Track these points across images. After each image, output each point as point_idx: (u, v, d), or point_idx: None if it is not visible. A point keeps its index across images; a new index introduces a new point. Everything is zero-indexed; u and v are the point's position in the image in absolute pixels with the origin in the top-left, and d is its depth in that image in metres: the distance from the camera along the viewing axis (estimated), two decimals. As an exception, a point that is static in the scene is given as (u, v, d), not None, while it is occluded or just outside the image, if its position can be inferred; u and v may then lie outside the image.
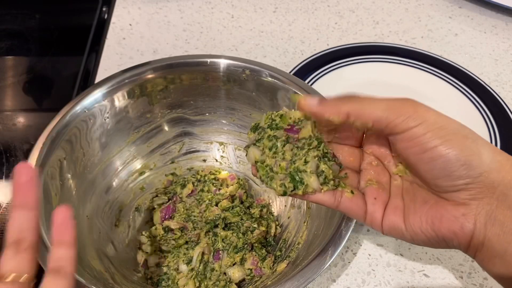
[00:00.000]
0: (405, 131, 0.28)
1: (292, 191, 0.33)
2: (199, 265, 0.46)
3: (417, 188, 0.31)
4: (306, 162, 0.32)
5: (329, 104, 0.30)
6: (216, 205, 0.51)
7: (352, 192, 0.33)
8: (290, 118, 0.34)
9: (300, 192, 0.32)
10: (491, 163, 0.27)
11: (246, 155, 0.35)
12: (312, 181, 0.32)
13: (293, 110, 0.34)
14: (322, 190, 0.32)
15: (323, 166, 0.32)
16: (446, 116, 0.29)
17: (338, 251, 0.37)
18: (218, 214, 0.49)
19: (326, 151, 0.33)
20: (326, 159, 0.33)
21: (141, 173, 0.53)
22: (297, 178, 0.32)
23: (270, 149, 0.33)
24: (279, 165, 0.33)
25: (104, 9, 0.79)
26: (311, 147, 0.33)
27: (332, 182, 0.33)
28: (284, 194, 0.33)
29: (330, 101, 0.31)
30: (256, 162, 0.34)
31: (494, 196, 0.27)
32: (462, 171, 0.27)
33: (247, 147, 0.35)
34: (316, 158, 0.32)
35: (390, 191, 0.32)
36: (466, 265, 0.48)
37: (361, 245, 0.49)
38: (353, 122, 0.30)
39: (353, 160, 0.34)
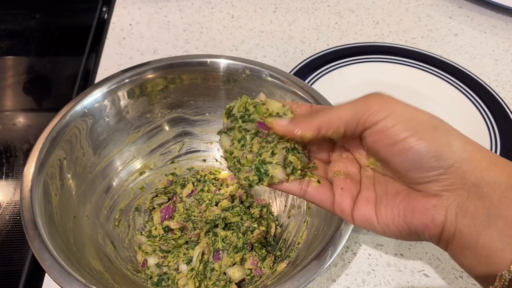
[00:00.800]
0: (374, 124, 0.28)
1: (257, 183, 0.33)
2: (199, 265, 0.46)
3: (389, 180, 0.31)
4: (273, 154, 0.33)
5: (299, 122, 0.31)
6: (216, 205, 0.51)
7: (318, 181, 0.33)
8: (267, 109, 0.33)
9: (265, 184, 0.33)
10: (462, 154, 0.27)
11: (219, 140, 0.35)
12: (277, 173, 0.33)
13: (272, 99, 0.34)
14: (289, 180, 0.33)
15: (291, 158, 0.33)
16: (414, 107, 0.29)
17: (338, 251, 0.37)
18: (218, 214, 0.49)
19: (295, 143, 0.33)
20: (295, 151, 0.33)
21: (141, 173, 0.53)
22: (262, 170, 0.33)
23: (239, 141, 0.33)
24: (246, 157, 0.33)
25: (104, 9, 0.79)
26: (281, 140, 0.33)
27: (299, 172, 0.33)
28: (250, 186, 0.34)
29: (300, 119, 0.31)
30: (226, 151, 0.34)
31: (466, 187, 0.27)
32: (433, 163, 0.27)
33: (220, 133, 0.35)
34: (284, 150, 0.33)
35: (361, 183, 0.32)
36: (466, 265, 0.48)
37: (361, 245, 0.49)
38: (325, 133, 0.30)
39: (322, 152, 0.34)
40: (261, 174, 0.33)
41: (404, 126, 0.27)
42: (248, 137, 0.33)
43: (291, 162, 0.33)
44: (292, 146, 0.33)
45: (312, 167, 0.34)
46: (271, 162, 0.33)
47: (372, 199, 0.31)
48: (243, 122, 0.33)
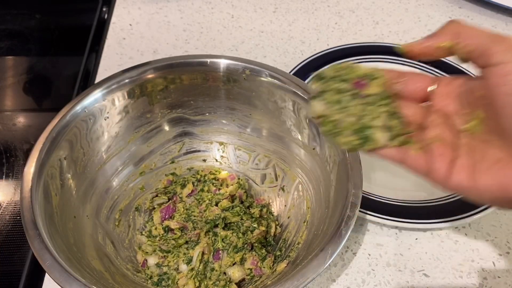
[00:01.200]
0: (501, 63, 0.25)
1: (361, 147, 0.31)
2: (199, 265, 0.46)
3: (489, 146, 0.29)
4: (374, 117, 0.31)
5: (436, 33, 0.30)
6: (216, 205, 0.51)
7: (418, 149, 0.31)
8: (358, 71, 0.32)
9: (368, 148, 0.31)
10: None
11: (309, 108, 0.33)
12: (381, 137, 0.31)
13: (359, 64, 0.33)
14: (390, 146, 0.31)
15: (393, 122, 0.31)
16: None
17: (338, 251, 0.37)
18: (218, 214, 0.49)
19: (395, 107, 0.31)
20: (395, 115, 0.31)
21: (141, 173, 0.53)
22: (366, 133, 0.31)
23: (337, 103, 0.31)
24: (347, 120, 0.31)
25: (104, 9, 0.79)
26: (381, 103, 0.31)
27: (400, 137, 0.31)
28: (352, 150, 0.32)
29: (434, 33, 0.30)
30: (319, 116, 0.32)
31: None
32: None
33: (312, 98, 0.33)
34: (386, 114, 0.31)
35: (458, 149, 0.30)
36: (466, 265, 0.48)
37: (361, 245, 0.49)
38: (458, 45, 0.28)
39: (418, 117, 0.32)
40: (364, 138, 0.31)
41: None
42: (346, 98, 0.31)
43: (391, 127, 0.31)
44: (393, 110, 0.31)
45: (412, 131, 0.32)
46: (374, 126, 0.31)
47: (470, 166, 0.29)
48: (338, 82, 0.31)
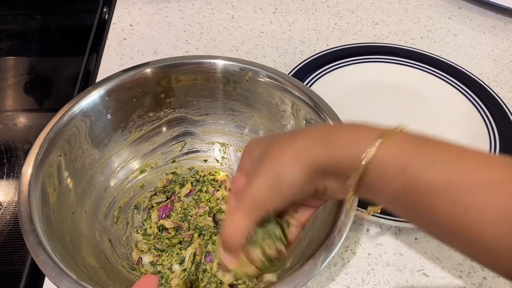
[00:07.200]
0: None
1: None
2: (191, 266, 0.46)
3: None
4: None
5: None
6: (214, 215, 0.51)
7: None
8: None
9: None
10: None
11: None
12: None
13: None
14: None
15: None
16: None
17: (330, 257, 0.36)
18: (208, 225, 0.49)
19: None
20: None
21: (142, 171, 0.54)
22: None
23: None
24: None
25: (104, 9, 0.79)
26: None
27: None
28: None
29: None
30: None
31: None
32: None
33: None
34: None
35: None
36: (465, 264, 0.48)
37: (360, 245, 0.49)
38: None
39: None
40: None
41: None
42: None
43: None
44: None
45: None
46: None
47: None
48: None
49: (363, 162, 0.28)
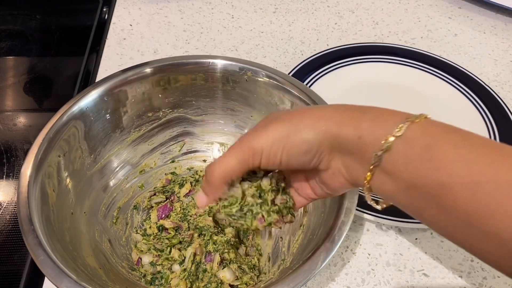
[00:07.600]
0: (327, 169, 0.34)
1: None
2: (191, 266, 0.46)
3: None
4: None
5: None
6: (214, 215, 0.51)
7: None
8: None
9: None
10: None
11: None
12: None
13: None
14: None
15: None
16: None
17: (330, 256, 0.36)
18: (208, 225, 0.49)
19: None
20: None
21: (141, 172, 0.53)
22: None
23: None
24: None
25: (104, 9, 0.79)
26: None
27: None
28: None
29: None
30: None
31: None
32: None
33: None
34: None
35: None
36: (466, 264, 0.48)
37: (360, 245, 0.49)
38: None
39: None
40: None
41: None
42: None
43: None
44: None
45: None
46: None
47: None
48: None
49: (391, 139, 0.28)
